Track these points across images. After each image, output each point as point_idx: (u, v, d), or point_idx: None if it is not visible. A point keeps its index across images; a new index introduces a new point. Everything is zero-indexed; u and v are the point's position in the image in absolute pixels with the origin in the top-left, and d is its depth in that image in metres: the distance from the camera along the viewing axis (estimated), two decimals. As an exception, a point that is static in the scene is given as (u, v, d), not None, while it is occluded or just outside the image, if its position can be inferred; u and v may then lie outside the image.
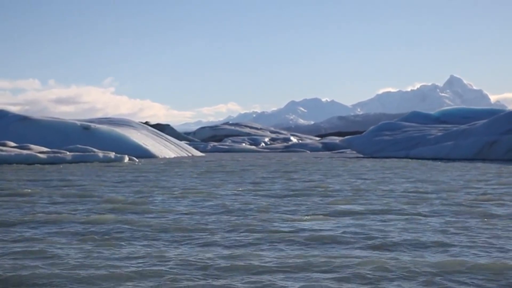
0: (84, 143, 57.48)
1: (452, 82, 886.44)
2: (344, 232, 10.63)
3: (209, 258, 8.42)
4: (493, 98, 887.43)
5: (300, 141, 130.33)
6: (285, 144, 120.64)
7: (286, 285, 7.02)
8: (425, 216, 12.97)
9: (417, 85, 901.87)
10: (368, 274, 7.48)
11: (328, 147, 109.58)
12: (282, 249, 9.25)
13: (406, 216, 12.89)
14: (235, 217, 12.78)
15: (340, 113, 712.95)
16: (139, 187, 21.51)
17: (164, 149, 72.63)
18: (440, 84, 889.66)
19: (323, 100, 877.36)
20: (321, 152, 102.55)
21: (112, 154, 50.67)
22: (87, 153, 49.72)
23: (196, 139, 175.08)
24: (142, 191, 19.63)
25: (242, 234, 10.65)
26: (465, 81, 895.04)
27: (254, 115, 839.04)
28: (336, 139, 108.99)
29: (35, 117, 67.44)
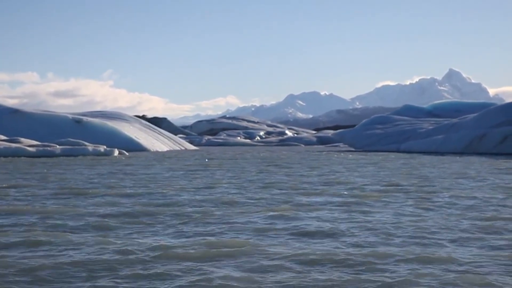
0: (76, 137, 57.63)
1: (451, 75, 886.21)
2: (290, 224, 10.87)
3: (149, 248, 8.60)
4: (491, 91, 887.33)
5: (295, 135, 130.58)
6: (280, 137, 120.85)
7: (212, 271, 7.24)
8: (377, 207, 13.17)
9: (416, 79, 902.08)
10: (287, 264, 7.69)
11: (322, 141, 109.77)
12: (225, 239, 9.44)
13: (360, 208, 13.10)
14: (194, 209, 12.96)
15: (338, 106, 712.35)
16: (115, 179, 21.69)
17: (157, 142, 72.78)
18: (439, 77, 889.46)
19: (322, 93, 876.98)
20: (315, 146, 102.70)
21: (102, 148, 50.81)
22: (77, 147, 49.86)
23: (193, 133, 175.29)
24: (115, 184, 19.80)
25: (193, 225, 10.86)
26: (464, 75, 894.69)
27: (253, 109, 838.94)
28: (330, 133, 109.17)
29: (27, 110, 67.51)
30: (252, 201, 14.73)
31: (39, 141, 53.20)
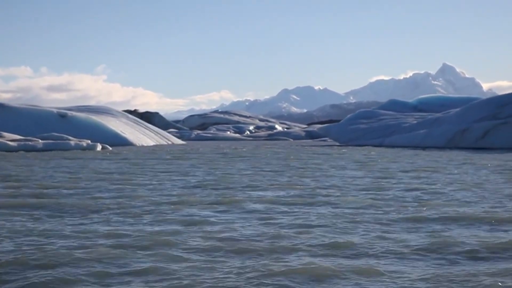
0: (62, 131, 57.66)
1: (445, 70, 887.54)
2: (222, 217, 11.24)
3: (63, 240, 8.89)
4: (485, 86, 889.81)
5: (285, 129, 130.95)
6: (269, 132, 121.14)
7: (117, 263, 7.53)
8: (308, 203, 13.27)
9: (410, 73, 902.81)
10: (194, 256, 8.01)
11: (311, 136, 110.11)
12: (145, 229, 9.75)
13: (302, 202, 13.37)
14: (137, 204, 13.18)
15: (332, 101, 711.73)
16: (81, 174, 21.90)
17: (143, 137, 72.90)
18: (433, 72, 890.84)
19: (316, 88, 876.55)
20: (303, 141, 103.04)
21: (84, 142, 50.98)
22: (59, 141, 50.02)
23: (185, 127, 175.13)
24: (75, 178, 20.00)
25: (125, 216, 11.21)
26: (457, 69, 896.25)
27: (247, 103, 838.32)
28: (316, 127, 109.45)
29: (12, 104, 67.51)
30: (201, 195, 14.98)
31: (24, 136, 53.33)
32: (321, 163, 29.07)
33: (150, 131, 79.60)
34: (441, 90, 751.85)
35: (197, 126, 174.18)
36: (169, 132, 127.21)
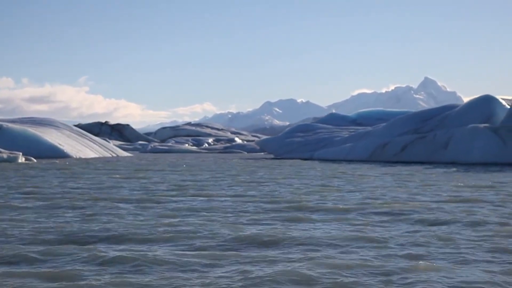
0: (-4, 143, 58.34)
1: (426, 84, 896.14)
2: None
3: None
4: (466, 100, 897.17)
5: (245, 142, 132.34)
6: (226, 145, 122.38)
7: None
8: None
9: (392, 87, 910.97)
10: None
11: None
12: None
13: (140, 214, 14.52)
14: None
15: (315, 114, 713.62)
16: None
17: (85, 149, 73.65)
18: (415, 85, 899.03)
19: (298, 101, 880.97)
20: (256, 153, 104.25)
21: (5, 154, 51.81)
22: (-24, 153, 50.82)
23: (156, 140, 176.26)
24: None
25: None
26: (439, 83, 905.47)
27: (230, 116, 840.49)
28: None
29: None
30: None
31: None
32: (230, 176, 30.34)
33: (94, 143, 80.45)
34: (423, 103, 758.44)
35: (169, 138, 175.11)
36: (135, 144, 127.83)
